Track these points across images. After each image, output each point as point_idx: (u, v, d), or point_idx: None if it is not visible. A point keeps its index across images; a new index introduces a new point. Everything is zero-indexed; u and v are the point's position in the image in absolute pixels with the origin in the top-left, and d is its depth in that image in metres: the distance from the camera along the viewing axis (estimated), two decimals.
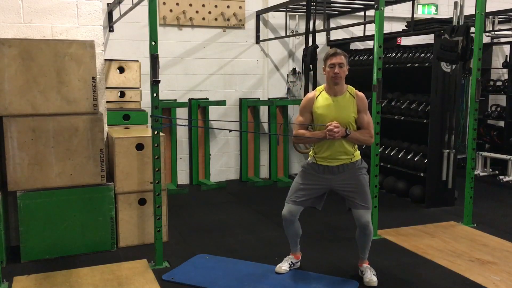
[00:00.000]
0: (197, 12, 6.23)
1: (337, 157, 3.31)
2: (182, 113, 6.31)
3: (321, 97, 3.32)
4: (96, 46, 4.00)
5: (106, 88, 4.54)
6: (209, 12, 6.29)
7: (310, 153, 3.45)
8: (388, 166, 5.76)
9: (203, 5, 6.24)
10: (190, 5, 6.19)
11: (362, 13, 6.40)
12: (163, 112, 5.93)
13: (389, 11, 6.36)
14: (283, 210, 3.45)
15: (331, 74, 3.25)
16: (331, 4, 6.32)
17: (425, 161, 5.32)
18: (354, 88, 3.36)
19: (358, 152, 3.39)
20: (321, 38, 6.69)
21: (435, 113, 5.20)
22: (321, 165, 3.36)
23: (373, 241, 3.51)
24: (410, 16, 5.46)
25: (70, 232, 3.90)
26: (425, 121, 5.31)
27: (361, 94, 3.35)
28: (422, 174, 5.34)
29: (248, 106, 6.53)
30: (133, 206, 4.13)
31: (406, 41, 6.78)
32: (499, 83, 7.39)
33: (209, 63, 6.43)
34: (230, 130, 3.85)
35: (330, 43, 6.86)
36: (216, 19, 6.33)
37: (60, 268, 3.66)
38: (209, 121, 6.47)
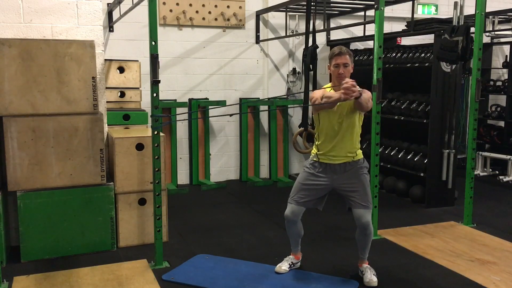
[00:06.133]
0: (197, 12, 6.23)
1: (339, 155, 3.32)
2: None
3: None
4: (96, 46, 4.00)
5: (106, 88, 4.54)
6: (209, 12, 6.29)
7: (313, 151, 3.46)
8: (388, 166, 5.76)
9: (203, 5, 6.24)
10: (190, 5, 6.19)
11: (362, 13, 6.40)
12: (163, 112, 5.93)
13: (389, 11, 6.36)
14: (286, 211, 3.45)
15: (336, 74, 3.28)
16: (331, 4, 6.32)
17: (425, 161, 5.32)
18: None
19: (360, 151, 3.40)
20: (321, 38, 6.69)
21: (435, 113, 5.20)
22: (323, 163, 3.37)
23: (373, 241, 3.51)
24: (410, 16, 5.46)
25: (70, 232, 3.90)
26: (425, 121, 5.31)
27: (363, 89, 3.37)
28: (422, 174, 5.34)
29: (248, 106, 6.53)
30: (133, 206, 4.13)
31: (406, 41, 6.79)
32: (499, 83, 7.39)
33: (209, 63, 6.43)
34: (231, 115, 3.79)
35: (330, 43, 6.86)
36: (216, 19, 6.33)
37: (60, 268, 3.66)
38: (209, 121, 6.46)
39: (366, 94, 3.19)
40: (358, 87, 3.02)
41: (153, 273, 3.56)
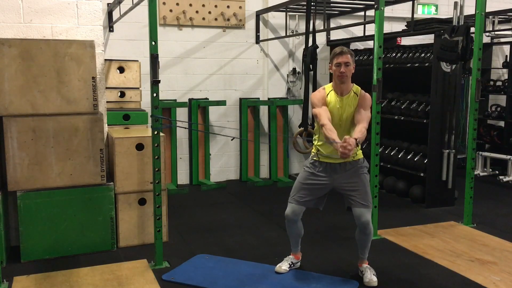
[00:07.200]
0: (197, 12, 6.23)
1: None
2: (182, 113, 6.31)
3: (330, 95, 3.34)
4: (96, 46, 4.00)
5: (106, 88, 4.54)
6: (209, 12, 6.29)
7: (313, 150, 3.46)
8: (388, 166, 5.76)
9: (203, 5, 6.24)
10: (190, 5, 6.19)
11: (362, 13, 6.40)
12: (163, 112, 5.93)
13: (389, 11, 6.36)
14: (286, 210, 3.45)
15: (337, 73, 3.27)
16: (331, 4, 6.32)
17: (425, 161, 5.32)
18: (360, 88, 3.37)
19: (360, 151, 3.40)
20: (321, 38, 6.69)
21: (435, 113, 5.20)
22: (324, 162, 3.37)
23: (373, 241, 3.51)
24: (410, 16, 5.46)
25: (70, 232, 3.90)
26: (425, 121, 5.31)
27: (366, 93, 3.36)
28: (422, 174, 5.34)
29: (248, 106, 6.53)
30: (133, 206, 4.13)
31: (406, 41, 6.79)
32: (499, 83, 7.39)
33: (209, 63, 6.43)
34: (232, 138, 3.81)
35: (330, 43, 6.86)
36: (216, 19, 6.33)
37: (60, 268, 3.66)
38: (209, 121, 6.46)
39: (365, 124, 3.22)
40: (353, 148, 3.02)
41: (153, 273, 3.56)
